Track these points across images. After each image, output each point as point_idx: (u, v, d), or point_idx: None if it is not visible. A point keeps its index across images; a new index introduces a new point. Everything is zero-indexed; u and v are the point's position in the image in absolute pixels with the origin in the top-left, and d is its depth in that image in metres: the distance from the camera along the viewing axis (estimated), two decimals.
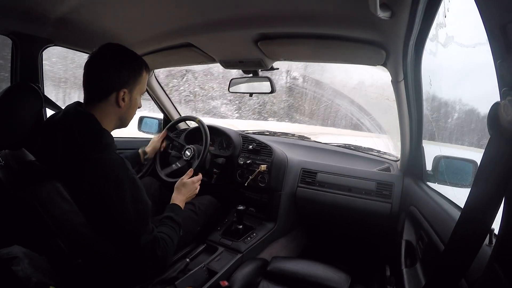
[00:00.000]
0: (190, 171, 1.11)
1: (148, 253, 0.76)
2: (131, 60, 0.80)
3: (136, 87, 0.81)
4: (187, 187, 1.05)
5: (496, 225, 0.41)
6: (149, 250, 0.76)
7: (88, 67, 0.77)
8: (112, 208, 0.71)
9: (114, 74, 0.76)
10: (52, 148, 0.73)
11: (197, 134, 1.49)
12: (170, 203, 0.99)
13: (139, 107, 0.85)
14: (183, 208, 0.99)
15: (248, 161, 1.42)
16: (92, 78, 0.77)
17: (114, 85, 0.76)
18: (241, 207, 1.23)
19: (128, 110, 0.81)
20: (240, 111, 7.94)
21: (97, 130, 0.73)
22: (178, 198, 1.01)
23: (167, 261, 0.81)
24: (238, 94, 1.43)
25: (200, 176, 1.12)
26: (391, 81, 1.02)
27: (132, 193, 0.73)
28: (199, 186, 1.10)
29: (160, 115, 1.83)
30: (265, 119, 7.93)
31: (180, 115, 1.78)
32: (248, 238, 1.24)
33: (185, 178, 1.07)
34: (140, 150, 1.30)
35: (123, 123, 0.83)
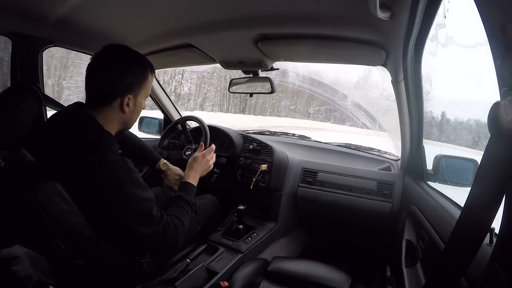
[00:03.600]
0: (201, 146, 1.08)
1: (159, 241, 0.77)
2: (138, 64, 0.77)
3: (141, 92, 0.78)
4: (198, 161, 1.00)
5: (496, 225, 0.41)
6: (160, 237, 0.77)
7: (91, 69, 0.74)
8: (116, 209, 0.71)
9: (119, 78, 0.73)
10: (51, 149, 0.73)
11: (197, 134, 1.49)
12: (183, 181, 0.97)
13: (143, 108, 0.83)
14: (196, 184, 0.97)
15: (249, 161, 1.42)
16: (96, 82, 0.74)
17: (119, 91, 0.74)
18: (241, 207, 1.23)
19: (132, 115, 0.79)
20: None
21: (96, 132, 0.72)
22: (190, 174, 0.98)
23: (178, 244, 0.82)
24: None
25: (212, 147, 1.07)
26: (391, 81, 1.02)
27: (135, 192, 0.73)
28: (212, 159, 1.06)
29: (160, 115, 1.83)
30: None
31: (181, 116, 1.79)
32: (249, 238, 1.24)
33: (196, 153, 1.04)
34: (161, 163, 1.15)
35: (126, 127, 0.82)
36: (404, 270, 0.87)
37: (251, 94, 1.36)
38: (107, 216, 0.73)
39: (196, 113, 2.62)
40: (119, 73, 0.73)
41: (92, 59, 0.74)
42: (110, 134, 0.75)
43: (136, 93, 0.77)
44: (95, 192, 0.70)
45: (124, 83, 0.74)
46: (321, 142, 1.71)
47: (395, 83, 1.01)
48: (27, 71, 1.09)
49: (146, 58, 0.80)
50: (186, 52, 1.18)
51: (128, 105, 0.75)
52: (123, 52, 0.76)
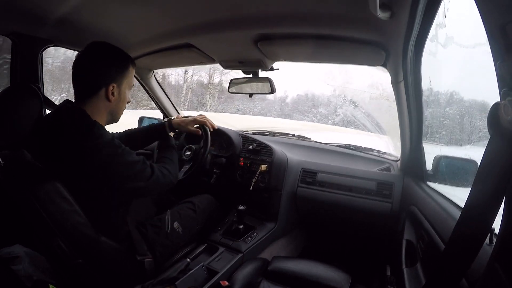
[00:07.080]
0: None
1: (156, 186, 0.86)
2: (118, 56, 0.84)
3: (124, 81, 0.85)
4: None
5: (496, 225, 0.41)
6: (160, 178, 0.86)
7: (76, 65, 0.81)
8: (122, 178, 0.77)
9: (103, 69, 0.80)
10: (49, 146, 0.74)
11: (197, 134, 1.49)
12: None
13: (128, 102, 0.89)
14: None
15: (249, 161, 1.42)
16: (82, 76, 0.81)
17: (103, 80, 0.80)
18: (241, 207, 1.23)
19: (117, 104, 0.85)
20: None
21: (88, 123, 0.77)
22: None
23: (175, 179, 0.95)
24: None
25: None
26: (391, 81, 1.02)
27: (130, 159, 0.79)
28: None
29: (160, 115, 1.83)
30: None
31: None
32: (249, 238, 1.24)
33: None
34: (167, 124, 1.19)
35: (114, 118, 0.87)
36: (404, 270, 0.87)
37: (250, 95, 1.36)
38: (112, 185, 0.77)
39: None
40: (102, 64, 0.80)
41: (77, 57, 0.81)
42: (100, 124, 0.80)
43: (119, 82, 0.84)
44: (99, 172, 0.74)
45: (107, 73, 0.81)
46: (320, 143, 1.71)
47: (395, 83, 1.01)
48: (27, 71, 1.10)
49: (126, 53, 0.87)
50: (186, 52, 1.18)
51: (113, 94, 0.82)
52: (104, 47, 0.83)
